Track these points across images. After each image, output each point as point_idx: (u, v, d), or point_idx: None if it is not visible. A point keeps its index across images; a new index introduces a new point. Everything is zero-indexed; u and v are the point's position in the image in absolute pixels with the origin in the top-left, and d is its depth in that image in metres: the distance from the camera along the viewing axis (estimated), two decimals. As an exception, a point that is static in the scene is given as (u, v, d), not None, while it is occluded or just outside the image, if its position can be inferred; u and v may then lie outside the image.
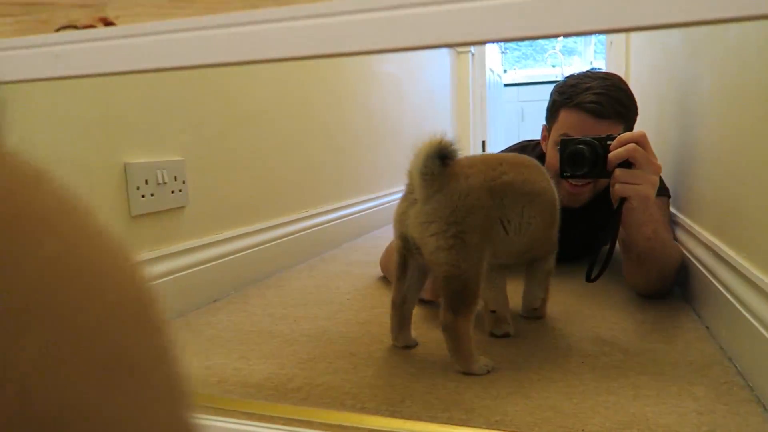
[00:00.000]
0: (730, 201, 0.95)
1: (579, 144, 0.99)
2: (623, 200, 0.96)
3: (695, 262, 1.09)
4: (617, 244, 1.02)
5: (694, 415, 0.68)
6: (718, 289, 0.93)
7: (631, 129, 1.22)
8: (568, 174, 1.01)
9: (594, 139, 0.98)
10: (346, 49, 0.58)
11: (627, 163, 0.94)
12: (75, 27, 0.64)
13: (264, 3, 0.58)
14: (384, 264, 1.33)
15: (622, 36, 2.94)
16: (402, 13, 0.54)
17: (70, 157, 0.95)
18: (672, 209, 1.35)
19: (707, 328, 0.99)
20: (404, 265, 0.90)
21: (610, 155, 0.95)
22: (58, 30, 0.64)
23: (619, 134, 0.96)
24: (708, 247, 1.03)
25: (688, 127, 1.28)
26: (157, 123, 1.14)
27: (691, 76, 1.24)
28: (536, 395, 0.75)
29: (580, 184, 1.24)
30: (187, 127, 1.22)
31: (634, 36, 2.62)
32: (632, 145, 0.93)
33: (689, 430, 0.65)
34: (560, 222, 1.31)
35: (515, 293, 1.05)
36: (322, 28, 0.57)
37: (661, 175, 1.30)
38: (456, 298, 0.82)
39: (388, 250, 1.28)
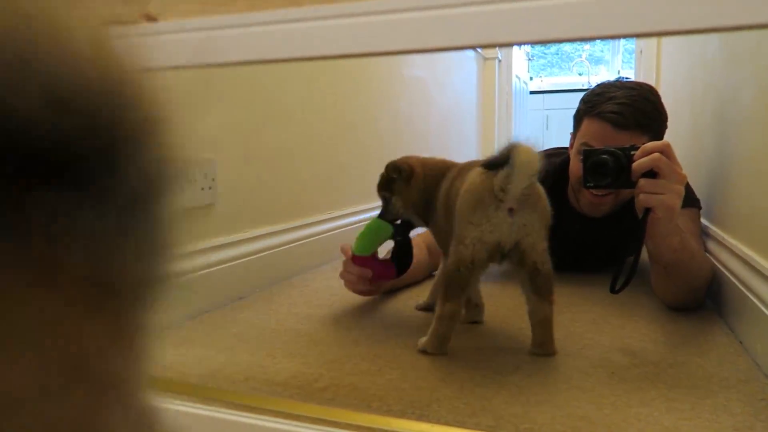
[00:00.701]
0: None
1: (602, 154, 0.98)
2: (648, 211, 0.94)
3: (729, 275, 1.07)
4: (643, 255, 1.01)
5: (731, 431, 0.67)
6: (754, 303, 0.91)
7: (658, 140, 1.20)
8: (592, 184, 1.00)
9: (618, 149, 0.98)
10: (391, 48, 0.58)
11: (651, 173, 0.93)
12: (117, 23, 0.65)
13: (308, 0, 0.58)
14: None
15: (652, 44, 2.90)
16: (453, 12, 0.53)
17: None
18: (705, 221, 1.32)
19: (741, 342, 0.96)
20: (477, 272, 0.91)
21: (634, 165, 0.94)
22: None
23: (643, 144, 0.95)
24: (744, 260, 1.00)
25: (725, 137, 1.26)
26: (189, 119, 1.15)
27: (731, 85, 1.22)
28: (566, 404, 0.74)
29: (601, 193, 1.23)
30: (219, 124, 1.23)
31: (666, 44, 2.59)
32: (657, 154, 0.92)
33: (726, 447, 0.64)
34: (581, 231, 1.30)
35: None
36: (367, 26, 0.57)
37: (694, 185, 1.29)
38: (548, 287, 0.91)
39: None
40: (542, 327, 0.91)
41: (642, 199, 0.94)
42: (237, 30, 0.60)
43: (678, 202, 0.93)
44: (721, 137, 1.30)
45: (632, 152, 0.95)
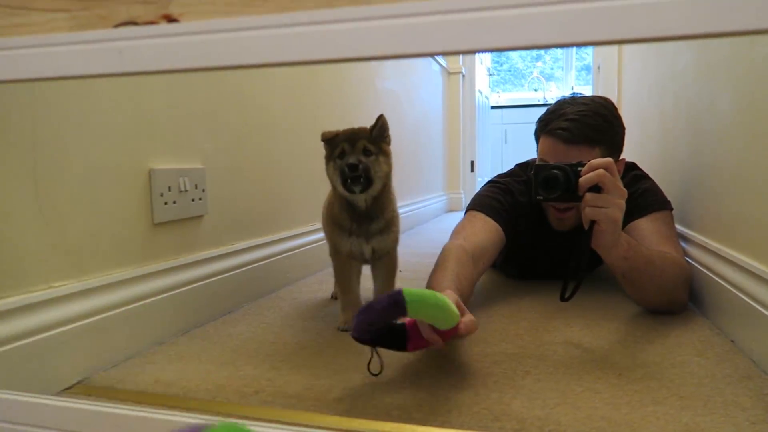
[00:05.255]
0: (759, 217, 0.96)
1: (553, 169, 1.04)
2: (593, 223, 1.00)
3: (715, 277, 1.11)
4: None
5: (747, 425, 0.68)
6: (745, 302, 0.94)
7: (615, 151, 1.25)
8: (542, 197, 1.06)
9: (566, 165, 1.04)
10: (420, 50, 0.58)
11: (597, 188, 0.98)
12: (135, 23, 0.63)
13: (339, 2, 0.57)
14: None
15: (612, 59, 3.01)
16: (482, 15, 0.54)
17: (98, 160, 0.93)
18: (682, 227, 1.37)
19: (732, 341, 1.00)
20: None
21: (581, 180, 1.00)
22: (117, 26, 0.63)
23: (590, 160, 1.01)
24: (731, 262, 1.04)
25: (701, 146, 1.31)
26: (180, 129, 1.12)
27: (705, 96, 1.27)
28: (584, 405, 0.75)
29: (563, 208, 1.29)
30: (208, 134, 1.20)
31: (628, 59, 2.69)
32: (601, 170, 0.98)
33: (745, 440, 0.65)
34: (556, 244, 1.34)
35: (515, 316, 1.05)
36: (396, 28, 0.57)
37: (667, 192, 1.34)
38: None
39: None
40: None
41: (587, 213, 0.99)
42: (264, 31, 0.58)
43: (620, 215, 0.99)
44: (695, 147, 1.36)
45: (579, 168, 1.01)
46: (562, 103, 1.29)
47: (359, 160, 1.03)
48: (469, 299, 1.08)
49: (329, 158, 1.08)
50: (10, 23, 0.67)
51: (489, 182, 1.43)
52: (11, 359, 0.76)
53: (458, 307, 0.83)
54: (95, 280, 0.91)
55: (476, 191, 1.44)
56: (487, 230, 1.26)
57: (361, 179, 1.03)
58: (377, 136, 1.07)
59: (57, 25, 0.65)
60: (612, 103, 1.29)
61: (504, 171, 1.50)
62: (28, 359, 0.78)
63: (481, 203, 1.33)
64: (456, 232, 1.26)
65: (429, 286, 1.06)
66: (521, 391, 0.80)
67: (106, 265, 0.94)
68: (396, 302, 0.76)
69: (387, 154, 1.09)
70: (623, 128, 1.28)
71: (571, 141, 1.20)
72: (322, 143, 1.09)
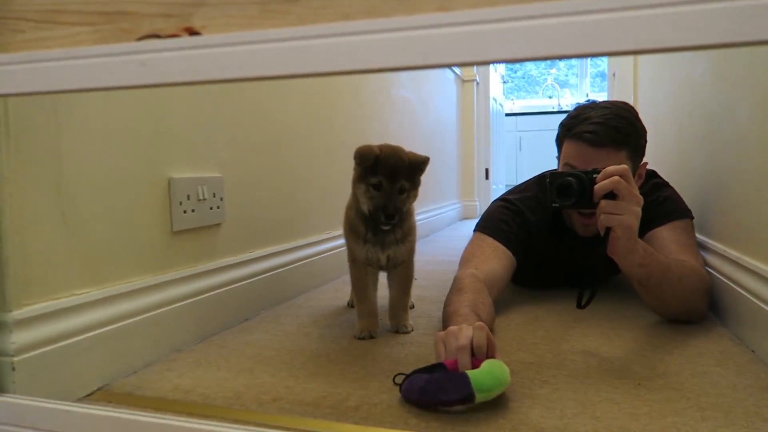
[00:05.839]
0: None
1: (567, 176, 1.04)
2: (609, 230, 0.99)
3: (735, 286, 1.09)
4: None
5: (770, 436, 0.68)
6: (767, 312, 0.93)
7: (638, 154, 1.25)
8: (557, 204, 1.06)
9: (581, 172, 1.04)
10: (436, 62, 0.58)
11: (612, 195, 0.98)
12: (158, 36, 0.64)
13: (357, 15, 0.58)
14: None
15: (627, 67, 3.00)
16: (498, 27, 0.54)
17: (119, 169, 0.94)
18: (701, 236, 1.36)
19: (753, 351, 0.98)
20: None
21: (596, 187, 1.00)
22: (140, 39, 0.64)
23: (619, 162, 1.02)
24: (752, 271, 1.03)
25: (719, 155, 1.30)
26: (199, 138, 1.13)
27: (724, 104, 1.26)
28: (603, 416, 0.74)
29: (587, 213, 1.27)
30: (225, 143, 1.22)
31: (643, 67, 2.67)
32: (616, 177, 0.98)
33: (768, 452, 0.64)
34: (578, 251, 1.33)
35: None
36: (413, 40, 0.57)
37: (685, 199, 1.32)
38: None
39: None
40: None
41: (602, 219, 0.99)
42: (285, 43, 0.59)
43: (635, 222, 0.99)
44: (714, 154, 1.35)
45: (594, 175, 1.01)
46: (584, 108, 1.28)
47: (396, 207, 1.04)
48: (492, 326, 1.08)
49: (362, 178, 1.08)
50: (36, 37, 0.69)
51: (499, 199, 1.42)
52: (35, 365, 0.77)
53: (489, 341, 0.84)
54: (116, 287, 0.92)
55: (491, 200, 1.44)
56: (497, 257, 1.26)
57: (395, 219, 1.05)
58: (416, 169, 1.09)
59: (82, 38, 0.66)
60: (633, 108, 1.29)
61: (519, 183, 1.50)
62: (51, 366, 0.80)
63: (490, 226, 1.33)
64: (466, 260, 1.26)
65: (446, 309, 1.06)
66: (539, 401, 0.79)
67: (127, 273, 0.96)
68: (465, 398, 0.75)
69: (417, 186, 1.11)
70: (645, 131, 1.27)
71: (597, 144, 1.20)
72: (355, 160, 1.09)
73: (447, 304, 1.09)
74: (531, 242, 1.32)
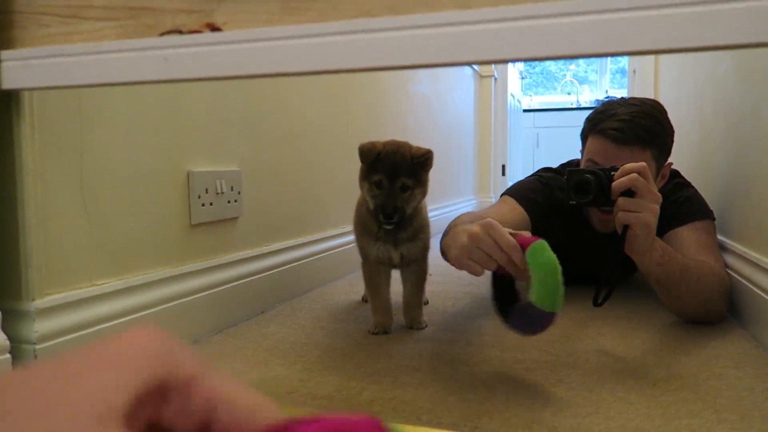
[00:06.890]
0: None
1: (585, 173, 1.03)
2: (626, 227, 0.98)
3: (755, 288, 1.08)
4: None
5: (787, 441, 0.67)
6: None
7: (664, 155, 1.23)
8: (574, 202, 1.05)
9: (599, 169, 1.04)
10: (458, 59, 0.58)
11: (630, 192, 0.97)
12: (180, 32, 0.65)
13: (378, 12, 0.58)
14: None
15: (648, 64, 2.96)
16: (518, 25, 0.54)
17: (140, 163, 0.96)
18: (722, 237, 1.34)
19: (772, 355, 0.97)
20: None
21: (614, 184, 0.99)
22: (162, 35, 0.65)
23: (643, 160, 1.00)
24: (772, 273, 1.02)
25: (742, 154, 1.28)
26: (218, 133, 1.15)
27: (748, 102, 1.24)
28: (617, 416, 0.74)
29: (606, 210, 1.25)
30: (244, 138, 1.23)
31: (665, 64, 2.64)
32: (634, 174, 0.97)
33: (785, 456, 0.64)
34: (587, 248, 1.32)
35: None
36: (435, 38, 0.57)
37: (705, 199, 1.31)
38: None
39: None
40: None
41: (620, 217, 0.98)
42: (305, 40, 0.60)
43: (653, 220, 0.97)
44: (736, 154, 1.33)
45: (612, 173, 1.01)
46: (612, 104, 1.27)
47: (395, 207, 1.03)
48: None
49: (365, 176, 1.07)
50: (60, 32, 0.70)
51: (534, 174, 1.43)
52: (57, 353, 0.79)
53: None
54: (135, 278, 0.94)
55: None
56: (511, 212, 1.24)
57: (394, 218, 1.04)
58: (419, 166, 1.07)
59: (105, 33, 0.67)
60: (662, 107, 1.27)
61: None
62: (72, 354, 0.81)
63: (516, 190, 1.33)
64: (480, 212, 1.26)
65: (444, 240, 1.07)
66: (553, 400, 0.79)
67: (146, 264, 0.97)
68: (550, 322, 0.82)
69: (424, 183, 1.09)
70: (673, 131, 1.26)
71: (622, 141, 1.18)
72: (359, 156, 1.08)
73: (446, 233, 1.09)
74: (555, 221, 1.31)
